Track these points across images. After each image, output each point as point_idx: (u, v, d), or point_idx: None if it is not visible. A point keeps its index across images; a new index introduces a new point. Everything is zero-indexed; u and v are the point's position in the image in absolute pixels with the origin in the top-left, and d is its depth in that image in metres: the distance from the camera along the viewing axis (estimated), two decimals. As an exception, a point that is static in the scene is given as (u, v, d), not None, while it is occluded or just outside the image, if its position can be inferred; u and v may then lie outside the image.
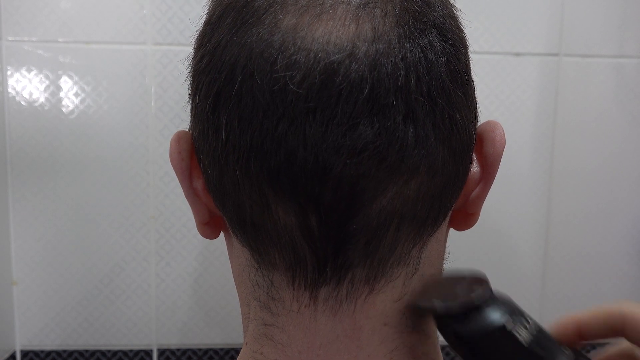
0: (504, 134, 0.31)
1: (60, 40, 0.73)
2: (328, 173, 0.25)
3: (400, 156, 0.26)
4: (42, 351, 0.77)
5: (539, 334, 0.26)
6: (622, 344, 0.28)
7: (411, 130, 0.26)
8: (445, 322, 0.27)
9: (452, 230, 0.34)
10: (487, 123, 0.32)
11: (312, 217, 0.26)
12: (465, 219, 0.33)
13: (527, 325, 0.26)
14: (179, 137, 0.31)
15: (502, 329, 0.26)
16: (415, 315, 0.30)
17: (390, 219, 0.27)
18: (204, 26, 0.30)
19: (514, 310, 0.26)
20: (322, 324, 0.29)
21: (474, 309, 0.26)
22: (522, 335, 0.26)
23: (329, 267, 0.28)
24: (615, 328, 0.27)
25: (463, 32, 0.30)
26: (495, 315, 0.26)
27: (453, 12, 0.30)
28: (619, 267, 0.82)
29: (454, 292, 0.28)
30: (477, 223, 0.34)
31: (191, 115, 0.31)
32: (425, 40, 0.26)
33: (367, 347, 0.29)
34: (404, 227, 0.28)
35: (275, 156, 0.25)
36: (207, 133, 0.28)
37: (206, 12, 0.30)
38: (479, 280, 0.28)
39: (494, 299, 0.26)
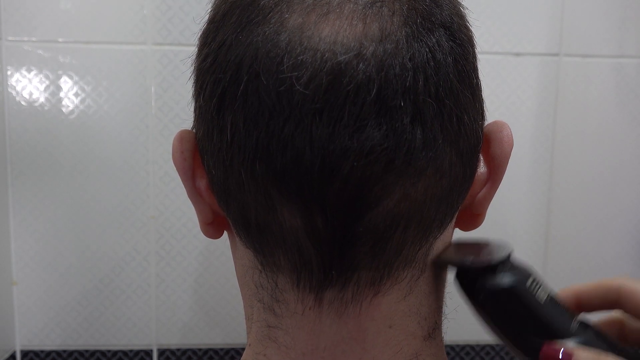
0: (511, 134, 0.31)
1: (60, 40, 0.73)
2: (335, 175, 0.25)
3: (407, 158, 0.25)
4: (42, 351, 0.77)
5: (554, 299, 0.29)
6: (615, 313, 0.31)
7: (419, 132, 0.25)
8: (471, 276, 0.29)
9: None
10: (495, 123, 0.31)
11: (318, 219, 0.26)
12: (472, 219, 0.33)
13: (544, 287, 0.29)
14: (182, 136, 0.31)
15: (523, 287, 0.28)
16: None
17: (397, 222, 0.27)
18: (207, 24, 0.29)
19: (533, 274, 0.29)
20: (326, 326, 0.29)
21: (502, 266, 0.28)
22: (540, 295, 0.28)
23: (334, 270, 0.27)
24: (612, 300, 0.30)
25: (470, 31, 0.30)
26: (520, 274, 0.28)
27: (461, 10, 0.29)
28: (619, 267, 0.82)
29: (478, 255, 0.30)
30: (477, 223, 0.34)
31: (195, 115, 0.31)
32: (434, 40, 0.26)
33: (372, 349, 0.29)
34: (410, 230, 0.27)
35: (282, 158, 0.25)
36: (211, 134, 0.28)
37: (210, 9, 0.30)
38: (499, 245, 0.30)
39: (516, 262, 0.29)
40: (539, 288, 0.28)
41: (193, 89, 0.30)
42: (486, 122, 0.32)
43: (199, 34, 0.30)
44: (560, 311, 0.28)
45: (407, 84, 0.25)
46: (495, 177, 0.31)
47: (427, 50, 0.26)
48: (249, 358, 0.32)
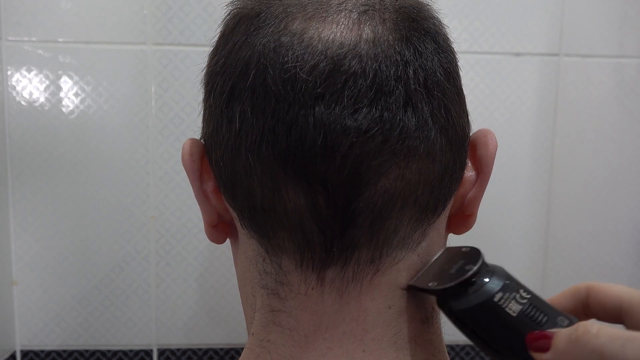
0: (495, 138, 0.33)
1: (60, 40, 0.73)
2: (336, 151, 0.27)
3: (402, 137, 0.28)
4: (42, 351, 0.77)
5: (533, 304, 0.27)
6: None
7: (411, 114, 0.28)
8: (443, 299, 0.29)
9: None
10: (479, 131, 0.34)
11: (320, 197, 0.28)
12: (464, 220, 0.35)
13: (519, 297, 0.27)
14: (192, 142, 0.33)
15: (491, 303, 0.27)
16: (416, 295, 0.31)
17: (394, 201, 0.29)
18: (218, 40, 0.32)
19: (505, 285, 0.28)
20: (328, 306, 0.30)
21: (467, 286, 0.28)
22: (512, 307, 0.27)
23: (335, 247, 0.29)
24: (582, 298, 0.29)
25: (452, 44, 0.33)
26: (485, 290, 0.27)
27: (443, 28, 0.32)
28: (619, 267, 0.82)
29: (449, 270, 0.29)
30: (477, 223, 0.35)
31: (204, 118, 0.33)
32: (421, 42, 0.29)
33: (372, 330, 0.30)
34: (406, 210, 0.29)
35: (286, 139, 0.27)
36: (220, 127, 0.30)
37: (219, 29, 0.33)
38: (474, 255, 0.29)
39: (487, 274, 0.28)
40: (512, 299, 0.27)
41: (203, 94, 0.33)
42: (472, 132, 0.34)
43: (210, 50, 0.33)
44: (538, 319, 0.27)
45: (399, 73, 0.28)
46: (483, 176, 0.33)
47: (416, 50, 0.29)
48: (253, 346, 0.32)
